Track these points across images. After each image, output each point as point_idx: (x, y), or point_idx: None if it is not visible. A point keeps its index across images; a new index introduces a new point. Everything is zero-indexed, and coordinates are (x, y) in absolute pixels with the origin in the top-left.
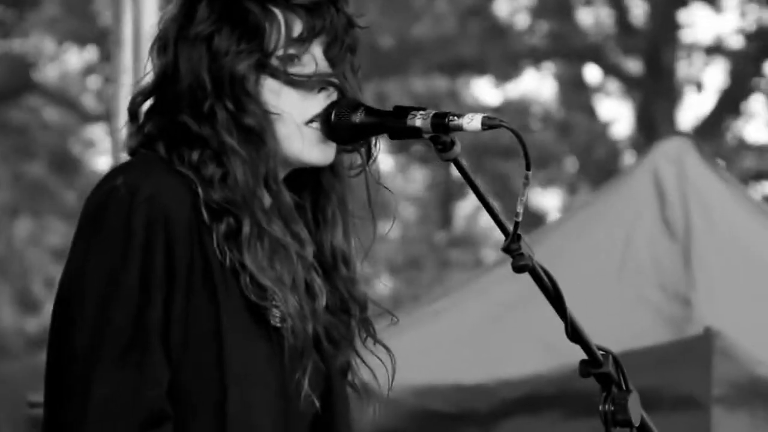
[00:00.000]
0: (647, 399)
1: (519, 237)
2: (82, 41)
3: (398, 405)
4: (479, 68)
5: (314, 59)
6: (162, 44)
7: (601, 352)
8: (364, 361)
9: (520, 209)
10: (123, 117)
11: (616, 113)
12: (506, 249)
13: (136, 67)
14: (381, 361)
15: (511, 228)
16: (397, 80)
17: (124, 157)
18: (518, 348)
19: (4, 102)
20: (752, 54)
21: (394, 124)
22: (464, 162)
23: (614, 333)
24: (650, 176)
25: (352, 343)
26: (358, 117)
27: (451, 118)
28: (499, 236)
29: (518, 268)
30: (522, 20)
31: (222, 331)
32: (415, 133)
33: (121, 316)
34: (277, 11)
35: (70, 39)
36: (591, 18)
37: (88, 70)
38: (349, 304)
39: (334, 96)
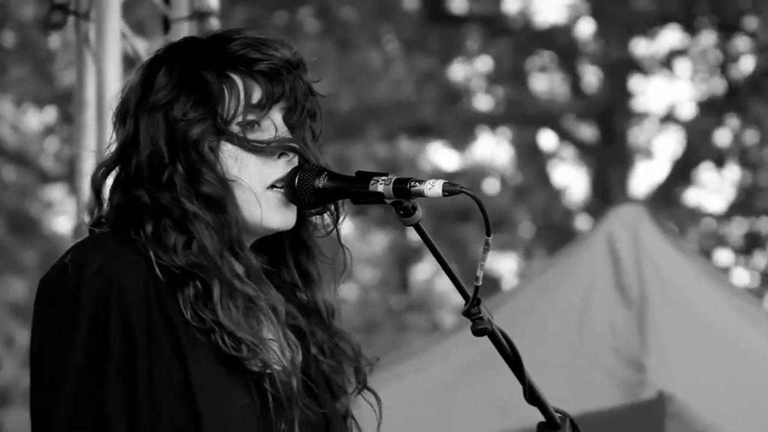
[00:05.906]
0: None
1: (479, 301)
2: (40, 102)
3: None
4: (438, 133)
5: (274, 125)
6: (123, 113)
7: (559, 415)
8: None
9: (480, 274)
10: (85, 177)
11: (572, 179)
12: (466, 313)
13: (99, 127)
14: (372, 407)
15: (471, 292)
16: (358, 144)
17: (86, 218)
18: (474, 412)
19: None
20: (705, 123)
21: (357, 189)
22: (425, 227)
23: (571, 396)
24: (605, 242)
25: (347, 392)
26: (321, 182)
27: (412, 183)
28: (458, 300)
29: (478, 332)
30: (477, 85)
31: (193, 386)
32: (378, 198)
33: (68, 393)
34: (236, 77)
35: (29, 100)
36: (545, 84)
37: (47, 131)
38: (343, 356)
39: (295, 162)
